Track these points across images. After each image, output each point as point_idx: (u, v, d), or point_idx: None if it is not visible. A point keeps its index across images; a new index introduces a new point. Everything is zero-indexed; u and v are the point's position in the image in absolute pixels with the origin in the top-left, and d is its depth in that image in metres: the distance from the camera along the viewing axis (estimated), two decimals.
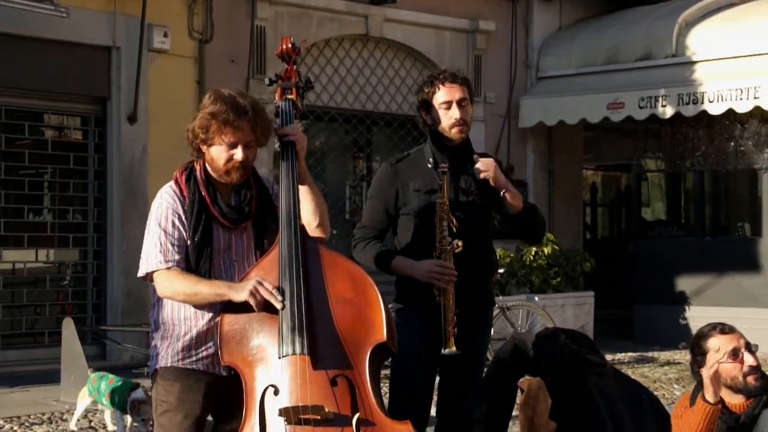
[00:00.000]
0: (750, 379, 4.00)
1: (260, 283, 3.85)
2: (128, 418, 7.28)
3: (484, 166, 4.58)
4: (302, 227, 4.05)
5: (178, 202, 4.01)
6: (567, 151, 15.48)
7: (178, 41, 11.42)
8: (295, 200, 4.03)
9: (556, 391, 5.27)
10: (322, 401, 3.74)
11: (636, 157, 15.17)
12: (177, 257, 3.96)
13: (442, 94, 4.64)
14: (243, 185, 4.10)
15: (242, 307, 3.89)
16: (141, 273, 4.03)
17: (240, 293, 3.86)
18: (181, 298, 3.97)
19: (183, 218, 3.99)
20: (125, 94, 11.07)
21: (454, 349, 4.41)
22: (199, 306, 3.98)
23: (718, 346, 4.06)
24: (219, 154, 3.98)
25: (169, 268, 3.95)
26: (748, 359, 4.00)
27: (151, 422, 7.33)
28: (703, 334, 4.13)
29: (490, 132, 14.29)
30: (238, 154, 3.97)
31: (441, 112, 4.64)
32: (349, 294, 3.94)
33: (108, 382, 7.37)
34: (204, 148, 4.01)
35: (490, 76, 14.37)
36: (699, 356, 4.13)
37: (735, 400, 4.09)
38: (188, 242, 3.98)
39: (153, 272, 3.98)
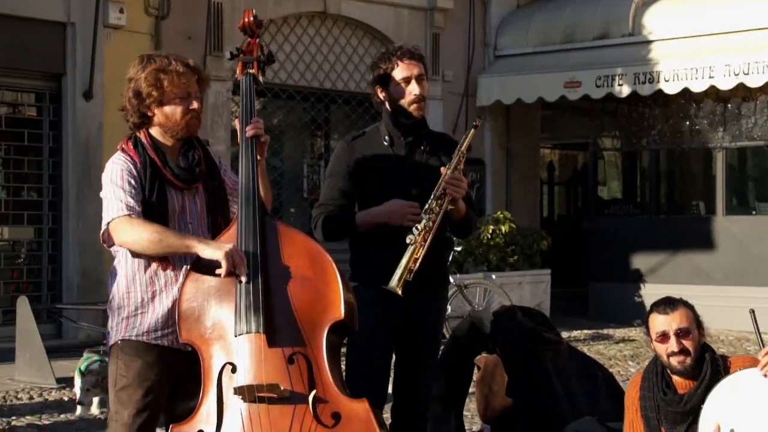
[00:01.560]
0: (672, 360, 4.09)
1: (236, 249, 3.85)
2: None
3: (456, 186, 4.51)
4: (262, 204, 4.04)
5: (130, 165, 3.98)
6: (524, 130, 15.54)
7: (134, 17, 11.31)
8: (255, 177, 4.03)
9: (512, 368, 5.32)
10: (278, 379, 3.75)
11: (592, 135, 15.25)
12: (138, 209, 3.92)
13: (400, 71, 4.62)
14: (189, 147, 4.10)
15: (203, 281, 3.88)
16: (103, 227, 3.96)
17: (216, 251, 3.83)
18: (144, 243, 3.88)
19: (137, 180, 3.96)
20: (81, 70, 10.95)
21: (399, 291, 4.34)
22: (161, 276, 3.97)
23: (653, 325, 4.16)
24: (174, 109, 4.00)
25: (130, 216, 3.90)
26: (672, 344, 4.07)
27: (92, 393, 7.37)
28: (650, 310, 4.23)
29: (447, 110, 14.31)
30: (194, 104, 4.00)
31: (399, 88, 4.62)
32: (306, 271, 3.94)
33: (89, 361, 7.41)
34: (154, 109, 4.01)
35: (448, 54, 14.37)
36: (647, 331, 4.23)
37: (679, 379, 4.16)
38: (144, 204, 3.95)
39: (113, 221, 3.91)
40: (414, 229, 4.38)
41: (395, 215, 4.49)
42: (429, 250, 4.42)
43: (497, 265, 13.03)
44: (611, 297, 14.07)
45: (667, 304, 4.18)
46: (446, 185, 4.44)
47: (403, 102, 4.63)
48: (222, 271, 3.82)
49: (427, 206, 4.44)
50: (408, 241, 4.37)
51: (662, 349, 4.12)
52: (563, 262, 15.00)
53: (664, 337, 4.10)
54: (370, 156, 4.66)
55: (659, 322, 4.14)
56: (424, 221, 4.40)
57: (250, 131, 4.10)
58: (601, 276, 14.33)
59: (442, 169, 4.48)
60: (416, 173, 4.62)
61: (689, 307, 4.21)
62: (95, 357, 7.45)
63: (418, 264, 4.37)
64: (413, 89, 4.62)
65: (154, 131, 4.06)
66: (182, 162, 4.08)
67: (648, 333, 4.22)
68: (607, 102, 14.28)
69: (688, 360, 4.09)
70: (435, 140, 4.75)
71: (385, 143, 4.67)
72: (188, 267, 3.95)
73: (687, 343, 4.10)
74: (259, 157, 4.10)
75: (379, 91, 4.70)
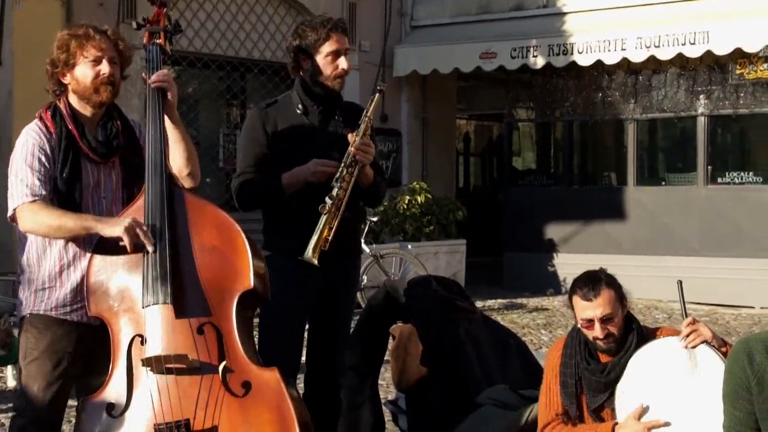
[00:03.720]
0: (598, 342, 4.12)
1: (137, 222, 3.81)
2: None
3: (365, 152, 4.51)
4: (170, 175, 4.01)
5: (44, 139, 3.93)
6: (440, 101, 15.60)
7: None
8: (163, 148, 3.99)
9: (427, 338, 5.36)
10: (187, 350, 3.75)
11: (507, 106, 15.36)
12: (43, 192, 3.88)
13: (330, 44, 4.58)
14: (108, 119, 4.05)
15: (110, 254, 3.85)
16: (9, 212, 3.93)
17: (114, 228, 3.80)
18: (44, 230, 3.88)
19: (50, 155, 3.92)
20: None
21: (315, 260, 4.35)
22: (69, 250, 3.93)
23: (577, 308, 4.14)
24: (84, 72, 3.95)
25: (33, 201, 3.86)
26: (597, 331, 4.09)
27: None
28: (573, 288, 4.17)
29: (364, 80, 14.26)
30: (104, 68, 3.94)
31: (326, 61, 4.58)
32: (215, 241, 3.92)
33: None
34: (67, 74, 3.97)
35: (365, 24, 14.34)
36: (570, 304, 4.22)
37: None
38: (56, 179, 3.91)
39: (17, 208, 3.88)
40: (327, 198, 4.38)
41: (315, 173, 4.48)
42: (343, 220, 4.42)
43: (413, 235, 13.10)
44: (525, 267, 14.23)
45: (590, 288, 4.09)
46: (355, 151, 4.45)
47: (327, 74, 4.60)
48: (126, 244, 3.79)
49: (338, 174, 4.44)
50: (321, 210, 4.37)
51: (588, 333, 4.13)
52: (478, 233, 15.13)
53: (589, 323, 4.11)
54: (284, 124, 4.63)
55: (583, 307, 4.10)
56: (336, 190, 4.40)
57: (154, 80, 4.04)
58: (516, 246, 14.49)
59: (349, 136, 4.49)
60: (330, 142, 4.61)
61: (612, 285, 4.14)
62: None
63: (332, 233, 4.38)
64: (342, 64, 4.60)
65: (73, 100, 4.02)
66: (100, 135, 4.03)
67: (571, 308, 4.21)
68: (522, 73, 14.39)
69: (613, 341, 4.13)
70: (347, 110, 4.75)
71: (299, 111, 4.65)
72: (96, 241, 3.90)
73: (612, 328, 4.10)
74: (169, 118, 4.04)
75: (302, 59, 4.66)
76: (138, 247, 3.82)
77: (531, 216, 14.41)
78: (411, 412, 5.35)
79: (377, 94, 4.64)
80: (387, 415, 5.64)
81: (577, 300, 4.13)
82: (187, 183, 4.10)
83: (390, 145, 14.71)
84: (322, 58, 4.60)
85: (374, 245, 12.15)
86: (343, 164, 4.44)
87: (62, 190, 3.91)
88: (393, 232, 12.97)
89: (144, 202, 3.92)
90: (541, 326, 10.99)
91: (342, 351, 4.85)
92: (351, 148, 4.45)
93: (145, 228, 3.82)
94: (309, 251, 4.33)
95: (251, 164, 4.65)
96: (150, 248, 3.80)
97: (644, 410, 3.99)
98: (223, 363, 3.75)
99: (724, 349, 3.97)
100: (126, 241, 3.78)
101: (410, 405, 5.37)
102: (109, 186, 4.04)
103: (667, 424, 3.94)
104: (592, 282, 4.13)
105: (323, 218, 4.36)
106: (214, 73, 13.25)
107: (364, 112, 4.58)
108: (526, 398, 4.91)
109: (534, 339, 10.04)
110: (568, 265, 12.83)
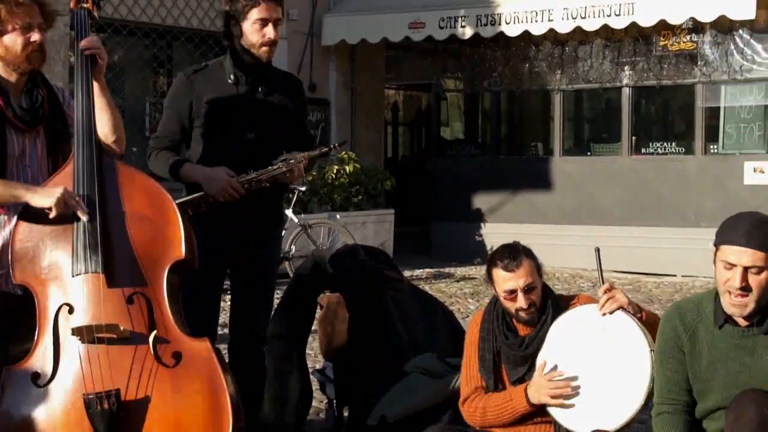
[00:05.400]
0: (521, 313, 4.17)
1: (69, 192, 3.77)
2: None
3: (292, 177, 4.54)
4: (99, 142, 3.97)
5: None
6: (369, 70, 15.59)
7: None
8: (91, 114, 3.94)
9: (354, 307, 5.38)
10: (118, 319, 3.72)
11: (436, 77, 15.40)
12: None
13: (259, 11, 4.50)
14: (33, 86, 4.00)
15: (37, 221, 3.80)
16: None
17: (45, 198, 3.75)
18: None
19: None
20: None
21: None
22: None
23: (499, 281, 4.17)
24: (14, 40, 3.88)
25: None
26: (521, 302, 4.14)
27: None
28: (492, 261, 4.20)
29: (292, 50, 14.21)
30: (35, 35, 3.89)
31: (253, 29, 4.51)
32: (146, 210, 3.90)
33: None
34: None
35: None
36: (489, 279, 4.25)
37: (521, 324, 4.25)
38: None
39: None
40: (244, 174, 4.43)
41: (214, 185, 4.44)
42: (264, 189, 4.45)
43: (341, 204, 13.11)
44: (453, 236, 14.33)
45: (511, 258, 4.13)
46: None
47: (254, 42, 4.54)
48: (52, 214, 3.75)
49: (255, 176, 4.46)
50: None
51: (511, 305, 4.17)
52: (407, 202, 15.19)
53: (512, 294, 4.14)
54: (212, 91, 4.58)
55: (505, 279, 4.12)
56: (251, 178, 4.44)
57: (84, 45, 3.99)
58: (444, 216, 14.58)
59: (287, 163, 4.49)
60: (259, 113, 4.59)
61: (530, 256, 4.19)
62: None
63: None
64: (269, 32, 4.52)
65: (0, 64, 3.94)
66: (25, 102, 3.97)
67: (491, 282, 4.24)
68: (450, 44, 14.42)
69: (535, 310, 4.18)
70: (279, 80, 4.72)
71: (230, 81, 4.61)
72: (21, 208, 3.85)
73: (534, 297, 4.14)
74: (97, 84, 4.00)
75: (232, 25, 4.59)
76: (66, 216, 3.77)
77: (458, 186, 14.50)
78: (338, 380, 5.38)
79: (326, 149, 4.68)
80: (315, 384, 5.67)
81: (498, 272, 4.16)
82: (112, 150, 4.07)
83: (318, 114, 14.67)
84: (249, 25, 4.53)
85: (302, 215, 12.15)
86: (266, 173, 4.47)
87: None
88: (321, 202, 12.97)
89: (73, 169, 3.87)
90: (468, 295, 11.08)
91: (264, 318, 4.85)
92: (279, 170, 4.48)
93: (78, 198, 3.78)
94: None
95: (171, 130, 4.63)
96: (85, 218, 3.77)
97: (549, 365, 4.06)
98: (154, 333, 3.74)
99: (639, 315, 4.05)
100: (53, 213, 3.74)
101: (338, 374, 5.40)
102: (35, 154, 3.98)
103: (573, 378, 4.01)
104: (512, 253, 4.16)
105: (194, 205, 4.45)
106: (140, 41, 13.07)
107: (306, 153, 4.56)
108: (452, 366, 4.96)
109: (461, 308, 10.13)
110: (495, 235, 12.95)
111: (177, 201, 4.18)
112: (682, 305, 3.79)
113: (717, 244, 3.57)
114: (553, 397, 4.01)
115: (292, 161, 4.49)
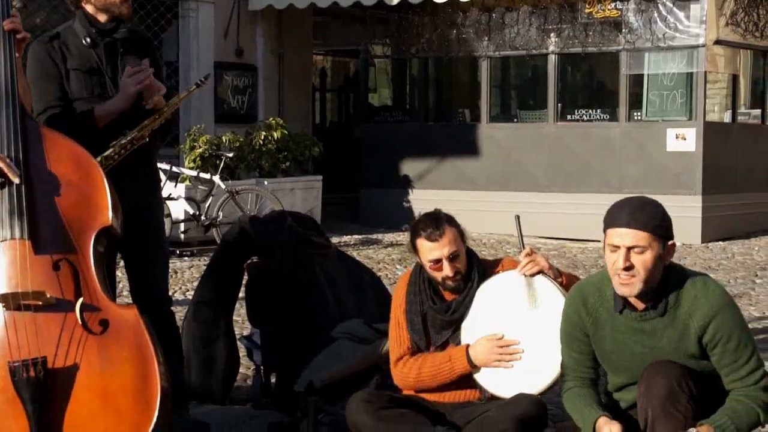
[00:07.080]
0: (447, 281, 4.21)
1: None
2: None
3: (154, 97, 4.46)
4: (23, 105, 3.92)
5: None
6: (296, 36, 15.50)
7: None
8: (14, 77, 3.89)
9: (282, 273, 5.39)
10: (44, 286, 3.69)
11: (364, 42, 15.37)
12: None
13: None
14: None
15: None
16: None
17: None
18: None
19: None
20: None
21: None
22: None
23: (423, 251, 4.19)
24: None
25: None
26: (447, 270, 4.18)
27: None
28: (416, 232, 4.22)
29: (219, 14, 14.08)
30: None
31: None
32: (72, 176, 3.86)
33: None
34: None
35: None
36: (414, 249, 4.27)
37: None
38: None
39: None
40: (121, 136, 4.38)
41: (127, 90, 4.37)
42: (137, 151, 4.42)
43: (269, 171, 13.06)
44: (381, 203, 14.38)
45: (434, 228, 4.15)
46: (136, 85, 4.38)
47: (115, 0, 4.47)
48: None
49: (132, 136, 4.41)
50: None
51: (437, 274, 4.18)
52: (335, 169, 15.19)
53: (437, 263, 4.17)
54: (73, 60, 4.47)
55: (429, 248, 4.15)
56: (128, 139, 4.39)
57: (7, 25, 3.94)
58: (372, 182, 14.61)
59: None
60: (121, 73, 4.48)
61: (453, 223, 4.22)
62: None
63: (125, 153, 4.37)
64: None
65: None
66: None
67: (415, 252, 4.26)
68: (378, 9, 14.39)
69: (461, 278, 4.22)
70: (130, 39, 4.59)
71: (85, 44, 4.48)
72: None
73: (459, 265, 4.18)
74: (17, 55, 3.95)
75: None
76: None
77: (387, 152, 14.53)
78: (266, 347, 5.40)
79: (194, 87, 4.60)
80: (242, 351, 5.68)
81: (422, 242, 4.18)
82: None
83: (245, 80, 14.58)
84: None
85: (230, 181, 12.10)
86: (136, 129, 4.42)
87: None
88: (249, 168, 12.91)
89: None
90: (396, 261, 11.14)
91: (163, 277, 4.76)
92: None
93: (7, 160, 3.73)
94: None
95: (54, 98, 4.45)
96: (16, 180, 3.72)
97: (483, 331, 4.14)
98: (80, 300, 3.71)
99: (560, 279, 4.15)
100: None
101: (265, 340, 5.41)
102: None
103: (515, 343, 4.10)
104: (435, 222, 4.19)
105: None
106: (63, 3, 12.82)
107: (177, 97, 4.55)
108: (379, 332, 5.00)
109: (389, 274, 10.18)
110: (423, 201, 13.02)
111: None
112: (584, 288, 3.85)
113: (604, 229, 3.67)
114: (499, 361, 4.09)
115: (165, 109, 4.47)
